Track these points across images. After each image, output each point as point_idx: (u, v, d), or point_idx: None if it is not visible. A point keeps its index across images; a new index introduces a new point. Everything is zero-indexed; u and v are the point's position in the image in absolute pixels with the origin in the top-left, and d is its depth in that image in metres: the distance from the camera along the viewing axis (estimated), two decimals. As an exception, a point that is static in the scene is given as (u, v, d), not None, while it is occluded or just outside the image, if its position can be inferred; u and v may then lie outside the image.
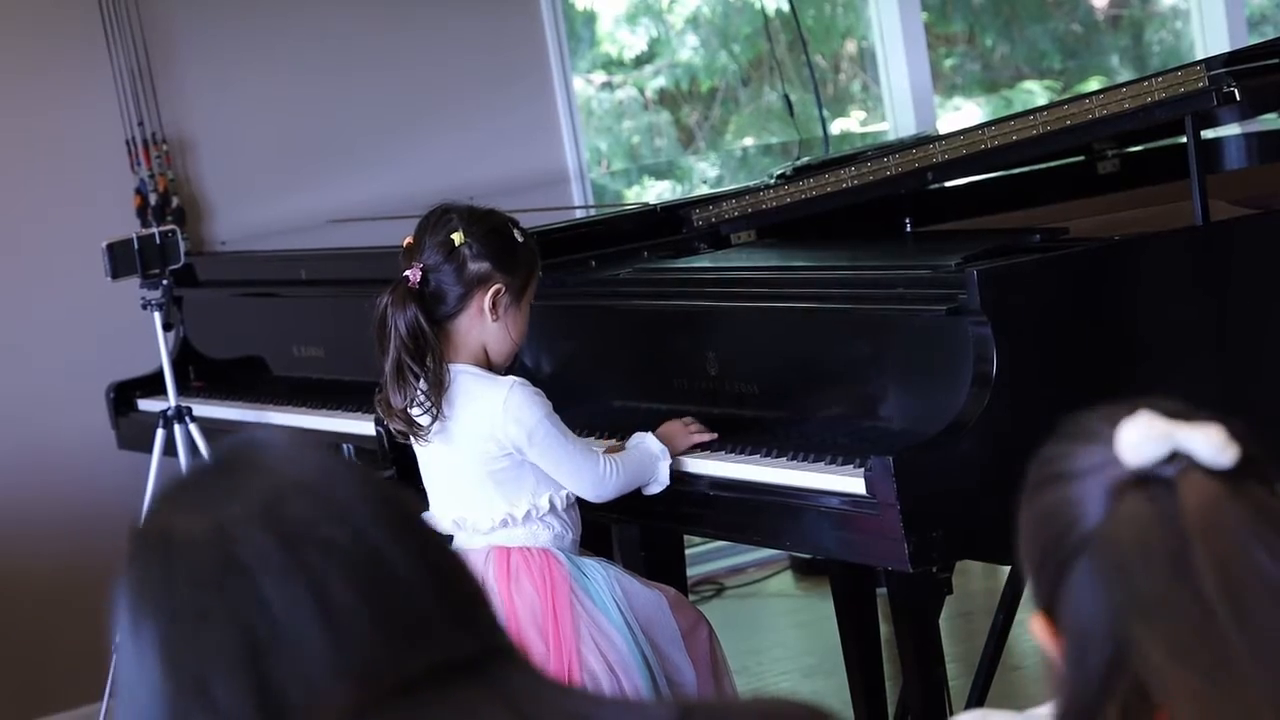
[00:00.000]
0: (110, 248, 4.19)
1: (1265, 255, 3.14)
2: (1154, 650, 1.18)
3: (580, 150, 5.39)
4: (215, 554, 1.13)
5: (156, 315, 4.23)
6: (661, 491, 3.18)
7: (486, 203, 3.27)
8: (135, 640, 1.14)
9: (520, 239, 3.17)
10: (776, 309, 3.23)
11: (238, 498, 1.15)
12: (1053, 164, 4.03)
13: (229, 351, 4.73)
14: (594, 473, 3.10)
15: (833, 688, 4.07)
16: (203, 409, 4.36)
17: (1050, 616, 1.25)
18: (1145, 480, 1.21)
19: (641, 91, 6.17)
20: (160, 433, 4.25)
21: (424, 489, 3.19)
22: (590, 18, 5.99)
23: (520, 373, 3.31)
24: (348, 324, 4.02)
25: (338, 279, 4.28)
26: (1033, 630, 1.28)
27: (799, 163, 3.93)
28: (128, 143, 4.90)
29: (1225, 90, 3.00)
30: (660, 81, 6.16)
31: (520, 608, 3.04)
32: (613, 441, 3.30)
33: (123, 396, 4.70)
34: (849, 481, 2.87)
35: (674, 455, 3.18)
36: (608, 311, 3.57)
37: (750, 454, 3.13)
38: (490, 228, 3.14)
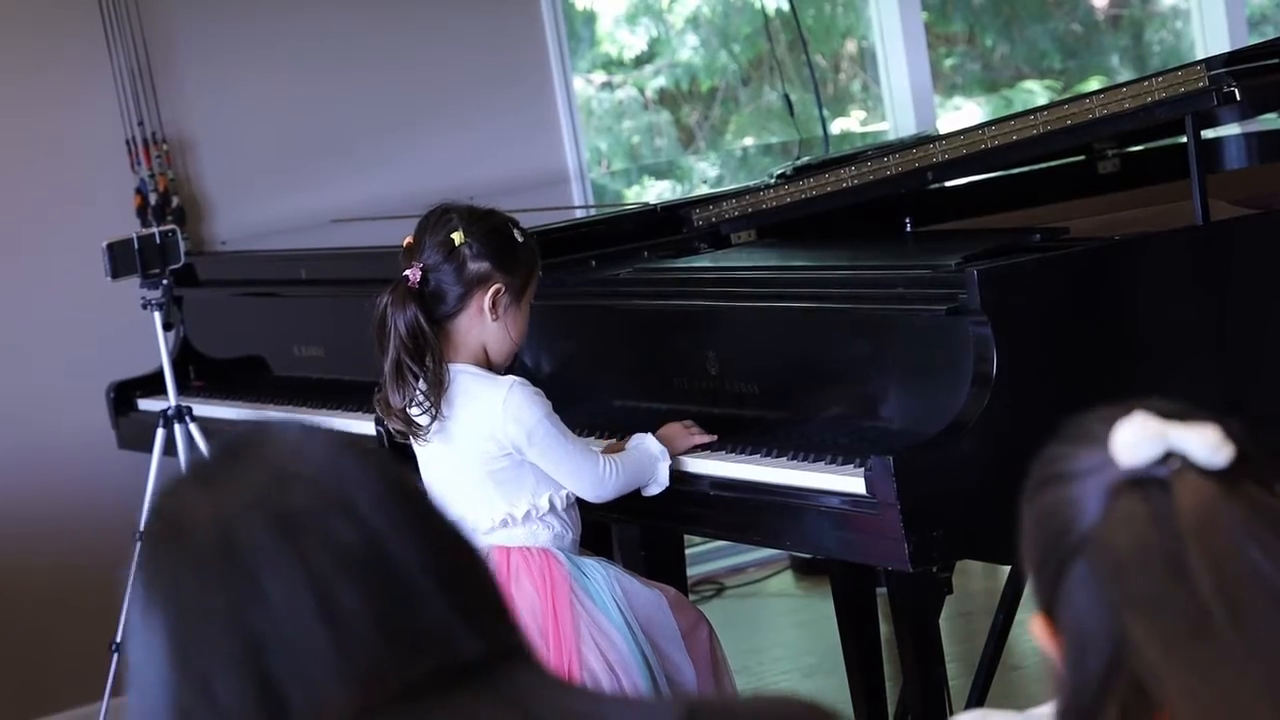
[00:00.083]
0: (110, 247, 4.19)
1: (1265, 255, 3.14)
2: (1151, 649, 1.19)
3: (580, 150, 5.39)
4: (220, 549, 1.11)
5: (157, 315, 4.23)
6: (661, 492, 3.18)
7: (486, 202, 3.27)
8: (145, 627, 1.13)
9: (520, 239, 3.17)
10: (777, 309, 3.23)
11: (244, 489, 1.13)
12: (1053, 164, 4.03)
13: (229, 351, 4.72)
14: (594, 473, 3.10)
15: (833, 687, 4.07)
16: (203, 409, 4.36)
17: (1050, 617, 1.25)
18: (1141, 481, 1.21)
19: (641, 91, 6.17)
20: (160, 432, 4.24)
21: (424, 489, 3.19)
22: (590, 18, 5.99)
23: (520, 372, 3.31)
24: (348, 324, 4.02)
25: (338, 279, 4.28)
26: (1033, 631, 1.28)
27: (799, 162, 3.93)
28: (128, 142, 4.90)
29: (1225, 90, 3.00)
30: (660, 81, 6.16)
31: (520, 607, 3.04)
32: (611, 441, 3.30)
33: (123, 396, 4.70)
34: (849, 481, 2.87)
35: (673, 456, 3.18)
36: (608, 311, 3.57)
37: (750, 454, 3.13)
38: (490, 227, 3.14)
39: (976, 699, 3.53)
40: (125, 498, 4.53)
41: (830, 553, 3.25)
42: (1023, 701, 3.24)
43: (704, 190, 4.55)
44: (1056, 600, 1.24)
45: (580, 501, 3.16)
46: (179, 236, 4.28)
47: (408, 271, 3.10)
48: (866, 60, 6.19)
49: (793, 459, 3.03)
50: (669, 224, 3.89)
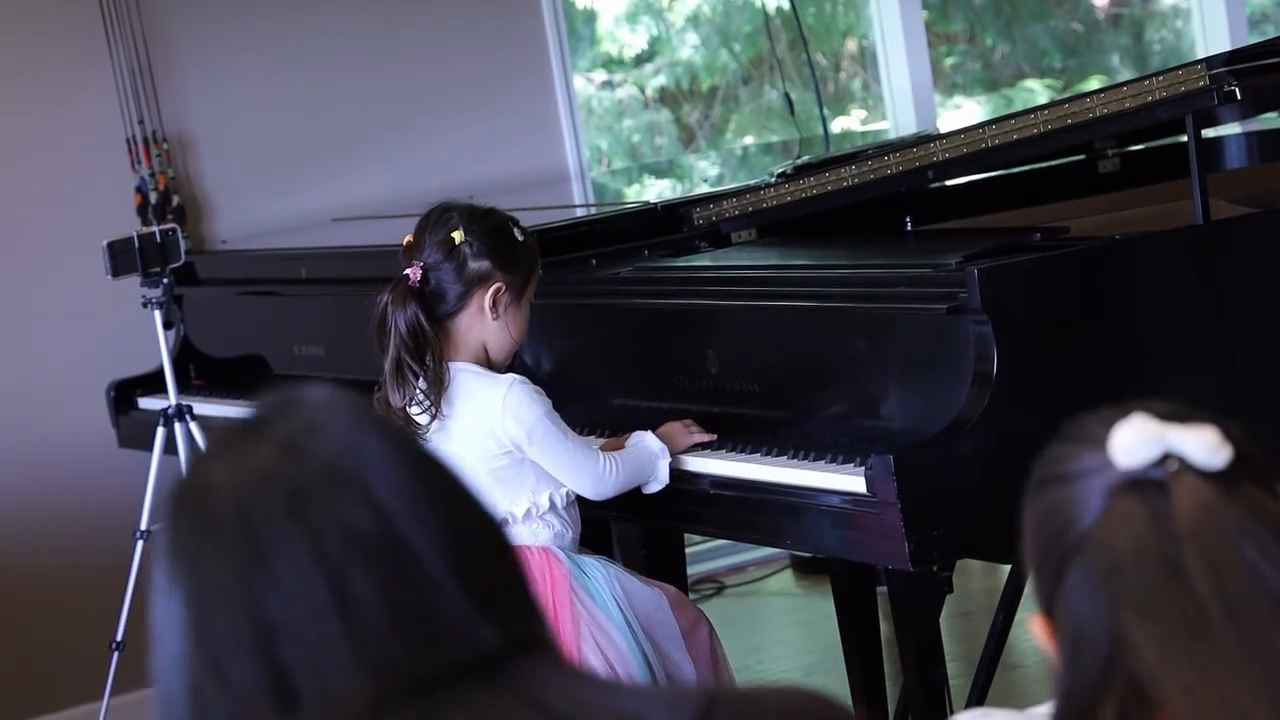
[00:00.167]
0: (111, 246, 4.19)
1: (1266, 254, 3.14)
2: (1148, 649, 1.19)
3: (581, 149, 5.39)
4: (237, 526, 1.10)
5: (157, 314, 4.23)
6: (662, 490, 3.18)
7: (487, 201, 3.27)
8: (168, 596, 1.12)
9: (520, 238, 3.17)
10: (777, 308, 3.23)
11: (262, 465, 1.11)
12: (1053, 163, 4.03)
13: (229, 350, 4.72)
14: (594, 470, 3.10)
15: (833, 686, 4.06)
16: (203, 407, 4.35)
17: (1050, 617, 1.26)
18: (1139, 482, 1.22)
19: (642, 90, 6.17)
20: (161, 431, 4.25)
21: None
22: (590, 16, 5.99)
23: (520, 371, 3.31)
24: (348, 323, 4.02)
25: (338, 278, 4.28)
26: (1032, 630, 1.28)
27: (799, 161, 3.93)
28: (128, 141, 4.90)
29: (1226, 89, 3.00)
30: (661, 80, 6.16)
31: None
32: (611, 438, 3.30)
33: (123, 395, 4.70)
34: (850, 480, 2.87)
35: (674, 454, 3.18)
36: (608, 310, 3.57)
37: (751, 452, 3.13)
38: (490, 226, 3.14)
39: (976, 698, 3.53)
40: (125, 497, 4.53)
41: (830, 552, 3.25)
42: (1023, 701, 3.24)
43: (704, 189, 4.55)
44: (1056, 600, 1.24)
45: (580, 500, 3.17)
46: (179, 235, 4.27)
47: (408, 270, 3.10)
48: (867, 59, 6.19)
49: (793, 458, 3.04)
50: (669, 223, 3.89)
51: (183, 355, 4.71)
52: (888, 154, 3.49)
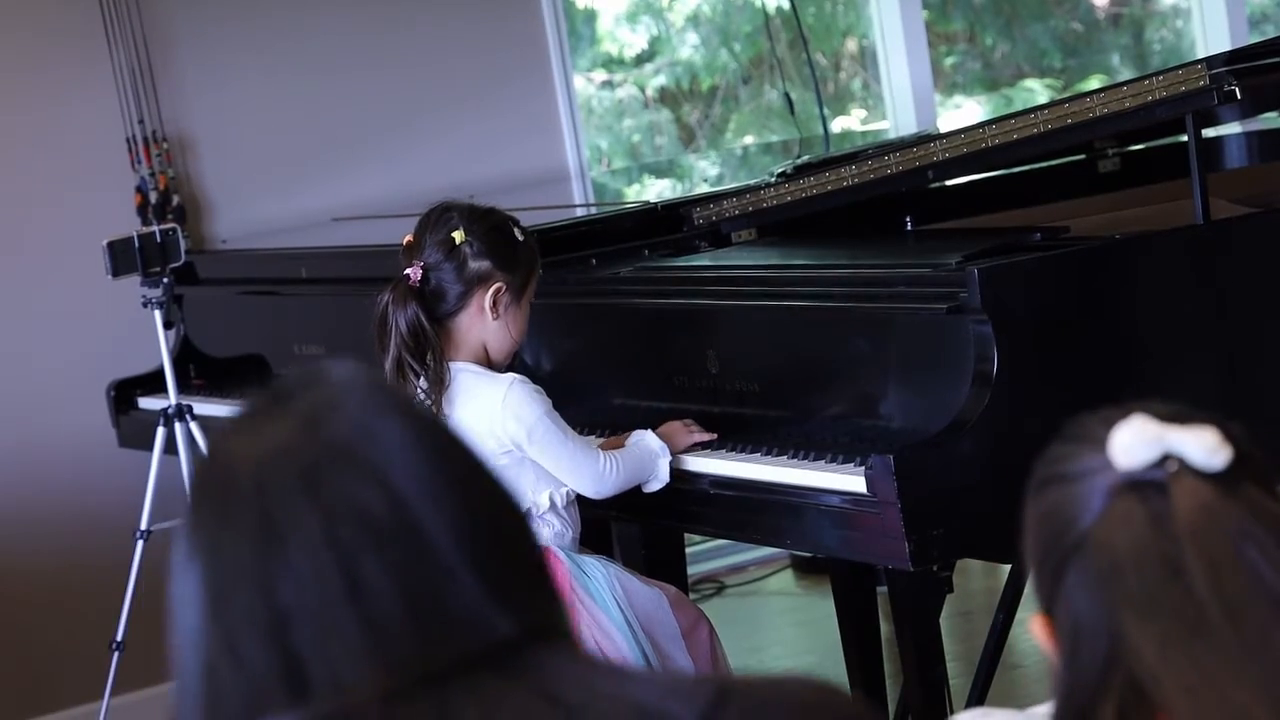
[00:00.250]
0: (111, 246, 4.19)
1: (1266, 254, 3.14)
2: (1147, 650, 1.19)
3: (581, 148, 5.39)
4: (255, 507, 1.09)
5: (157, 313, 4.23)
6: (662, 489, 3.18)
7: (487, 201, 3.27)
8: (186, 572, 1.11)
9: (521, 237, 3.17)
10: (777, 307, 3.23)
11: (280, 446, 1.10)
12: (1053, 162, 4.03)
13: (229, 350, 4.72)
14: (593, 469, 3.11)
15: (833, 686, 4.06)
16: (203, 407, 4.35)
17: (1050, 616, 1.26)
18: (1139, 483, 1.22)
19: (642, 90, 6.17)
20: (161, 431, 4.25)
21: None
22: (591, 16, 5.99)
23: (520, 371, 3.31)
24: (348, 322, 4.02)
25: (338, 277, 4.28)
26: (1033, 630, 1.28)
27: (799, 161, 3.93)
28: (128, 140, 4.90)
29: (1226, 89, 3.00)
30: (661, 80, 6.16)
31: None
32: (611, 436, 3.30)
33: (123, 395, 4.70)
34: (850, 480, 2.87)
35: (674, 454, 3.18)
36: (608, 310, 3.57)
37: (751, 452, 3.13)
38: (491, 226, 3.14)
39: (976, 698, 3.53)
40: (125, 497, 4.53)
41: (830, 551, 3.25)
42: (1023, 701, 3.24)
43: (704, 189, 4.55)
44: (1055, 599, 1.25)
45: (580, 499, 3.17)
46: (179, 235, 4.27)
47: (408, 270, 3.10)
48: (867, 59, 6.19)
49: (793, 457, 3.04)
50: (669, 223, 3.89)
51: (183, 355, 4.71)
52: (888, 154, 3.49)
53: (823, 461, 2.97)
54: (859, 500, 2.84)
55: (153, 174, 4.90)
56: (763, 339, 3.26)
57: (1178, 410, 1.26)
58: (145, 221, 4.79)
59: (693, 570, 4.84)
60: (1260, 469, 1.24)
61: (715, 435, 3.23)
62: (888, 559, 2.89)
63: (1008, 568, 3.64)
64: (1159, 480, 1.22)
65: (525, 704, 1.06)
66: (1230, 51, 3.13)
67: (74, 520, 4.79)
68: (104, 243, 4.19)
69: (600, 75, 6.11)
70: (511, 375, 3.11)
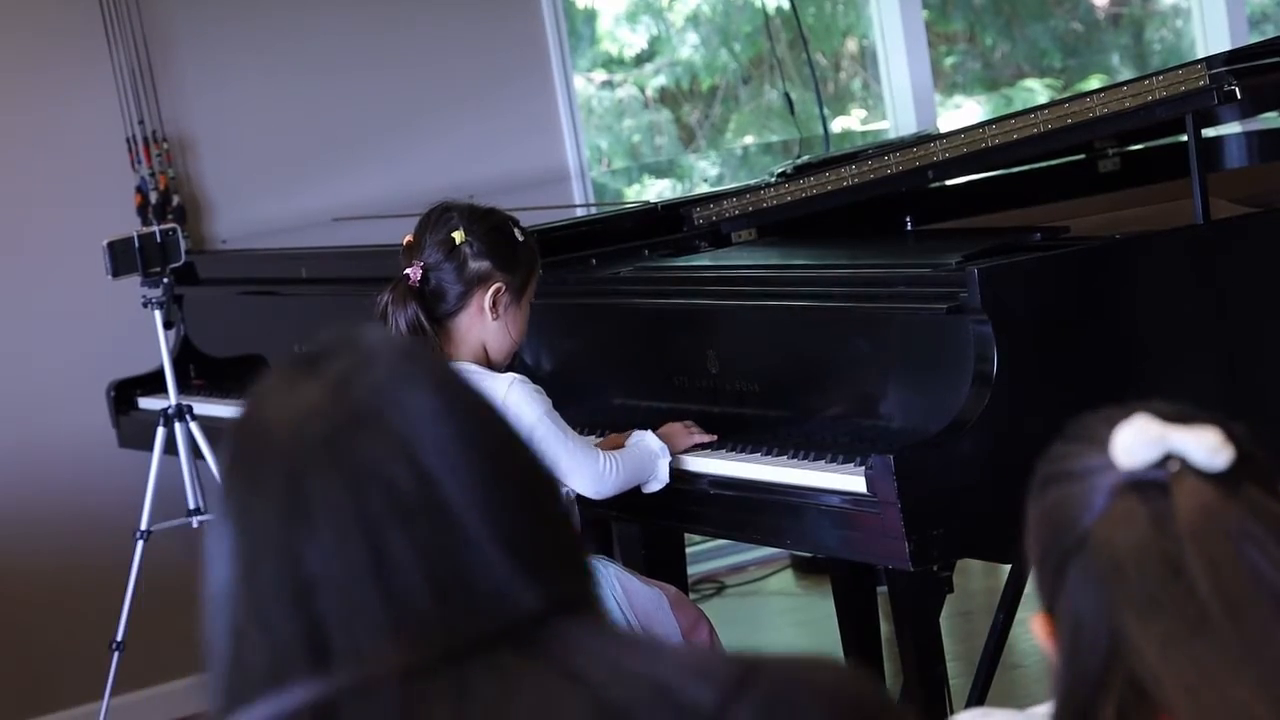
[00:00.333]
0: (111, 246, 4.19)
1: (1266, 254, 3.14)
2: (1148, 649, 1.19)
3: (581, 148, 5.39)
4: (285, 473, 1.08)
5: (157, 313, 4.23)
6: (662, 489, 3.18)
7: (487, 201, 3.27)
8: (219, 531, 1.11)
9: (520, 237, 3.17)
10: (777, 307, 3.23)
11: (313, 405, 1.09)
12: (1053, 162, 4.03)
13: (230, 350, 4.72)
14: (593, 469, 3.11)
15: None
16: (203, 407, 4.35)
17: (1051, 615, 1.26)
18: (1140, 483, 1.22)
19: (642, 90, 6.17)
20: (161, 431, 4.25)
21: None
22: (590, 16, 5.99)
23: (520, 371, 3.31)
24: (349, 322, 4.01)
25: (338, 277, 4.28)
26: (1033, 629, 1.28)
27: (799, 161, 3.93)
28: (128, 140, 4.90)
29: (1226, 89, 3.00)
30: (661, 80, 6.16)
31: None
32: (611, 435, 3.30)
33: (123, 395, 4.70)
34: (850, 480, 2.87)
35: (673, 455, 3.18)
36: (608, 310, 3.57)
37: (751, 452, 3.13)
38: (491, 226, 3.14)
39: (976, 698, 3.53)
40: (125, 497, 4.53)
41: (831, 551, 3.25)
42: (1023, 701, 3.24)
43: (704, 189, 4.55)
44: (1057, 598, 1.25)
45: (580, 499, 3.17)
46: (179, 235, 4.28)
47: (408, 270, 3.10)
48: (867, 59, 6.19)
49: (793, 457, 3.04)
50: (669, 223, 3.89)
51: (183, 355, 4.71)
52: (888, 154, 3.49)
53: (823, 461, 2.97)
54: (859, 500, 2.84)
55: (153, 174, 4.90)
56: (763, 339, 3.26)
57: (1180, 410, 1.26)
58: (145, 221, 4.80)
59: (693, 570, 4.84)
60: (1262, 469, 1.24)
61: (715, 437, 3.23)
62: (888, 559, 2.89)
63: (1008, 568, 3.64)
64: (1160, 480, 1.22)
65: (545, 682, 1.05)
66: (1230, 51, 3.13)
67: (74, 520, 4.79)
68: (104, 243, 4.20)
69: (600, 75, 6.11)
70: (511, 375, 3.11)
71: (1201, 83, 3.01)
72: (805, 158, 4.03)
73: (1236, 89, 3.00)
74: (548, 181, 5.21)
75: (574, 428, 3.16)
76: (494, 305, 3.10)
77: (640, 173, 5.75)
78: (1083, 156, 4.12)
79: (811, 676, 1.09)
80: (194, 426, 4.22)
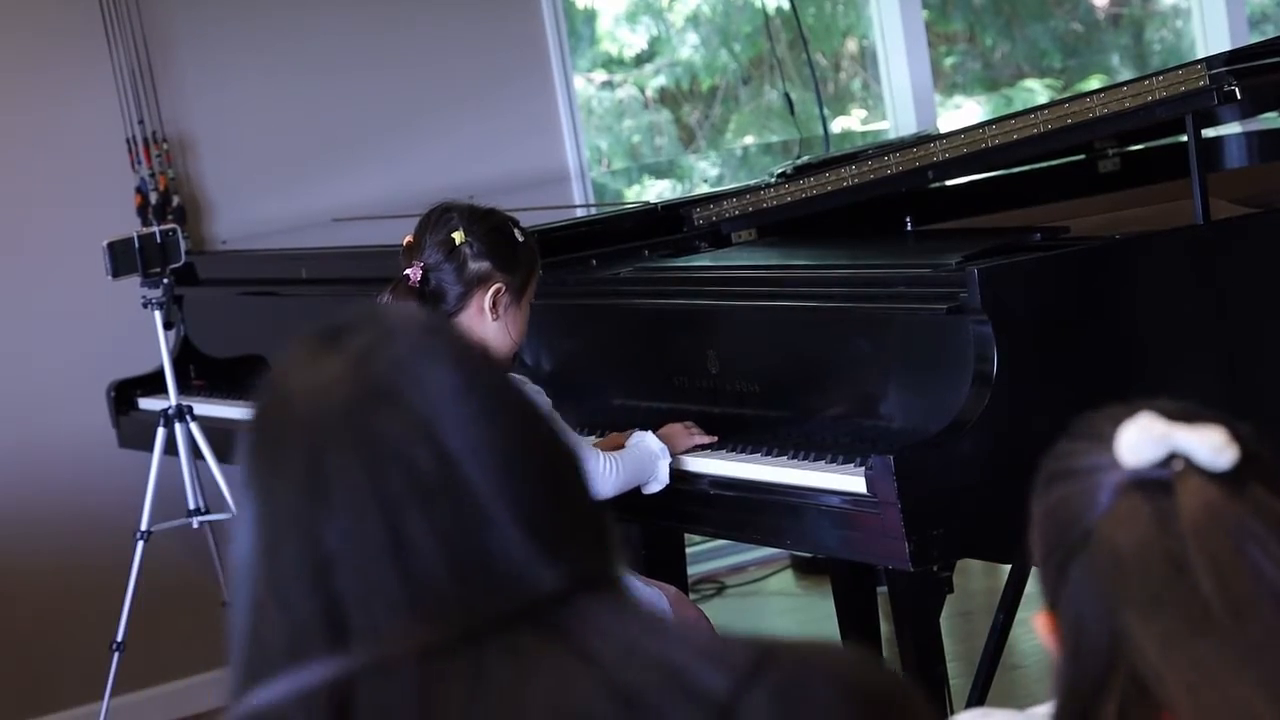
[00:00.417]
0: (111, 246, 4.19)
1: (1266, 254, 3.14)
2: (1150, 648, 1.19)
3: (581, 149, 5.39)
4: (305, 448, 1.08)
5: (157, 314, 4.23)
6: (662, 490, 3.18)
7: (487, 201, 3.27)
8: (242, 503, 1.11)
9: (520, 238, 3.17)
10: (777, 308, 3.23)
11: (334, 381, 1.09)
12: (1053, 163, 4.03)
13: (230, 350, 4.72)
14: (593, 470, 3.11)
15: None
16: (203, 408, 4.36)
17: (1054, 612, 1.26)
18: (1144, 481, 1.22)
19: (642, 90, 6.17)
20: (161, 431, 4.25)
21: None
22: (590, 16, 5.99)
23: (520, 371, 3.31)
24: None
25: (338, 278, 4.28)
26: (1036, 627, 1.28)
27: (799, 161, 3.93)
28: (128, 141, 4.90)
29: (1226, 89, 3.00)
30: (661, 80, 6.16)
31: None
32: (611, 434, 3.30)
33: (123, 395, 4.70)
34: (850, 480, 2.87)
35: (673, 455, 3.18)
36: (608, 310, 3.57)
37: (751, 453, 3.13)
38: (491, 227, 3.14)
39: (977, 698, 3.53)
40: (125, 497, 4.53)
41: (831, 552, 3.25)
42: (1023, 701, 3.24)
43: (704, 189, 4.55)
44: (1060, 595, 1.25)
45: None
46: (179, 235, 4.28)
47: (408, 270, 3.10)
48: (867, 59, 6.19)
49: (793, 458, 3.04)
50: (669, 223, 3.89)
51: (183, 355, 4.71)
52: (888, 154, 3.49)
53: (823, 462, 2.97)
54: (859, 500, 2.84)
55: (153, 174, 4.90)
56: (763, 339, 3.26)
57: (1186, 409, 1.25)
58: (145, 222, 4.80)
59: (693, 570, 4.84)
60: (1268, 469, 1.24)
61: (715, 438, 3.23)
62: (888, 559, 2.89)
63: (1008, 568, 3.64)
64: (1165, 479, 1.22)
65: (561, 664, 1.05)
66: (1230, 51, 3.13)
67: (74, 520, 4.79)
68: (104, 243, 4.20)
69: (600, 75, 6.11)
70: (511, 376, 3.10)
71: (1201, 83, 3.01)
72: (805, 158, 4.03)
73: (1236, 89, 3.00)
74: (548, 182, 5.21)
75: (574, 428, 3.17)
76: (494, 306, 3.10)
77: (640, 173, 5.75)
78: (1083, 157, 4.12)
79: (828, 663, 1.08)
80: (194, 427, 4.22)
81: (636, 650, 1.06)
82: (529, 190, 4.92)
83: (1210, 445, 1.21)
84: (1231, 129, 4.29)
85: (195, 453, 4.24)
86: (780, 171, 3.82)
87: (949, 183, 3.87)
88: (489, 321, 3.11)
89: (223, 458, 4.20)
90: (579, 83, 5.74)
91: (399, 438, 1.08)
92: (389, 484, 1.07)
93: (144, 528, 4.24)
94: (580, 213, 4.62)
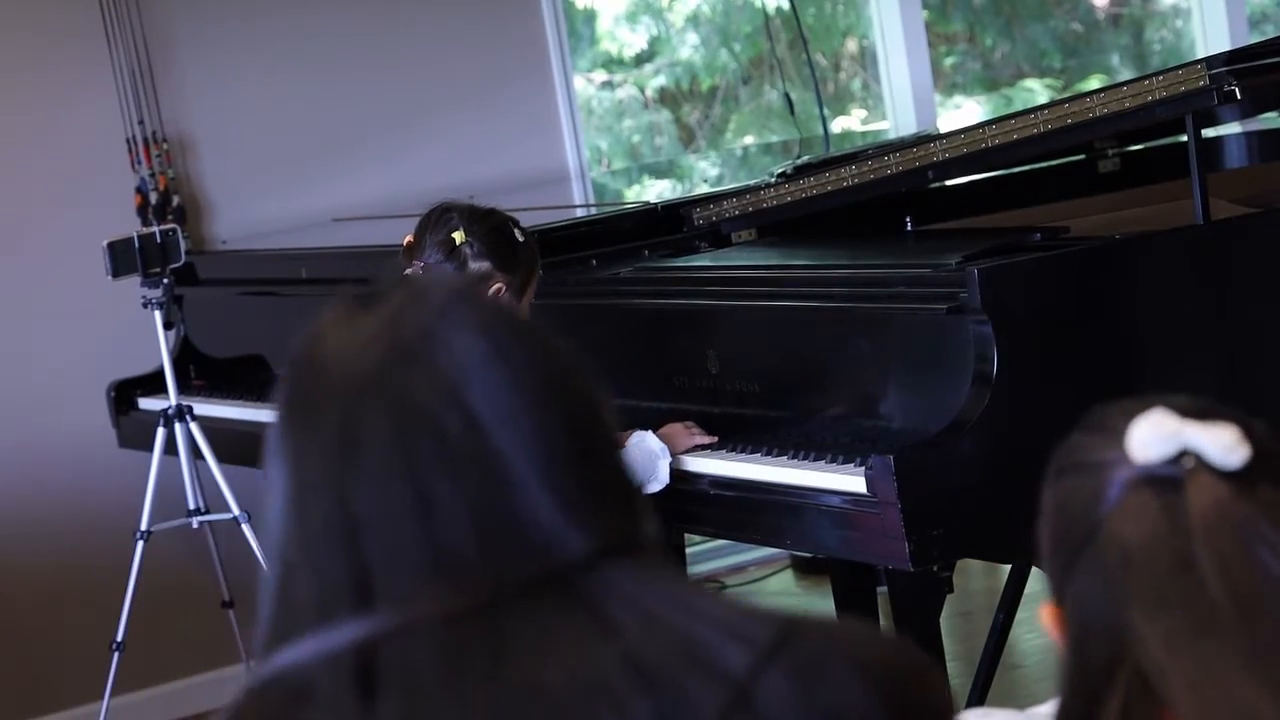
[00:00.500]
0: (111, 246, 4.19)
1: (1266, 254, 3.14)
2: (1155, 645, 1.19)
3: (581, 149, 5.39)
4: (337, 410, 1.09)
5: (157, 314, 4.23)
6: (662, 490, 3.18)
7: (487, 201, 3.27)
8: (272, 466, 1.11)
9: (521, 238, 3.17)
10: (777, 308, 3.23)
11: (369, 343, 1.09)
12: (1053, 162, 4.03)
13: (230, 350, 4.72)
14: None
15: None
16: (203, 408, 4.36)
17: (1060, 606, 1.26)
18: (1154, 478, 1.21)
19: (642, 90, 6.17)
20: (161, 431, 4.25)
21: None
22: (590, 16, 5.99)
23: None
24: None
25: (338, 278, 4.27)
26: (1041, 619, 1.28)
27: (799, 161, 3.93)
28: (128, 141, 4.90)
29: (1226, 89, 3.00)
30: (660, 80, 6.16)
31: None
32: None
33: (123, 395, 4.70)
34: (850, 480, 2.87)
35: (674, 455, 3.18)
36: (608, 310, 3.57)
37: (751, 453, 3.13)
38: (491, 226, 3.14)
39: (977, 698, 3.53)
40: (125, 497, 4.53)
41: (831, 551, 3.25)
42: (1023, 701, 3.25)
43: (704, 189, 4.55)
44: (1066, 589, 1.25)
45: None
46: (179, 235, 4.28)
47: (409, 270, 3.10)
48: (867, 59, 6.19)
49: (793, 458, 3.04)
50: (669, 223, 3.89)
51: (183, 355, 4.71)
52: (888, 154, 3.49)
53: (823, 462, 2.97)
54: (859, 500, 2.84)
55: (153, 174, 4.90)
56: (763, 339, 3.26)
57: (1200, 405, 1.25)
58: (145, 222, 4.80)
59: (693, 570, 4.85)
60: (1279, 468, 1.23)
61: (716, 438, 3.23)
62: (888, 559, 2.89)
63: (1008, 568, 3.64)
64: (1175, 476, 1.21)
65: (581, 635, 1.05)
66: (1230, 51, 3.13)
67: (74, 520, 4.79)
68: (104, 243, 4.20)
69: (600, 75, 6.11)
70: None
71: (1201, 83, 3.01)
72: (805, 158, 4.03)
73: (1236, 89, 3.00)
74: (548, 182, 5.21)
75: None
76: (494, 305, 3.10)
77: (640, 173, 5.75)
78: (1083, 157, 4.12)
79: (851, 643, 1.08)
80: (194, 427, 4.22)
81: (658, 622, 1.06)
82: (529, 190, 4.92)
83: (1221, 444, 1.21)
84: (1231, 129, 4.29)
85: (195, 453, 4.24)
86: (780, 171, 3.82)
87: (949, 183, 3.87)
88: (489, 321, 3.11)
89: (223, 458, 4.20)
90: (579, 83, 5.75)
91: (428, 401, 1.08)
92: (418, 448, 1.07)
93: (144, 528, 4.24)
94: (580, 213, 4.62)
